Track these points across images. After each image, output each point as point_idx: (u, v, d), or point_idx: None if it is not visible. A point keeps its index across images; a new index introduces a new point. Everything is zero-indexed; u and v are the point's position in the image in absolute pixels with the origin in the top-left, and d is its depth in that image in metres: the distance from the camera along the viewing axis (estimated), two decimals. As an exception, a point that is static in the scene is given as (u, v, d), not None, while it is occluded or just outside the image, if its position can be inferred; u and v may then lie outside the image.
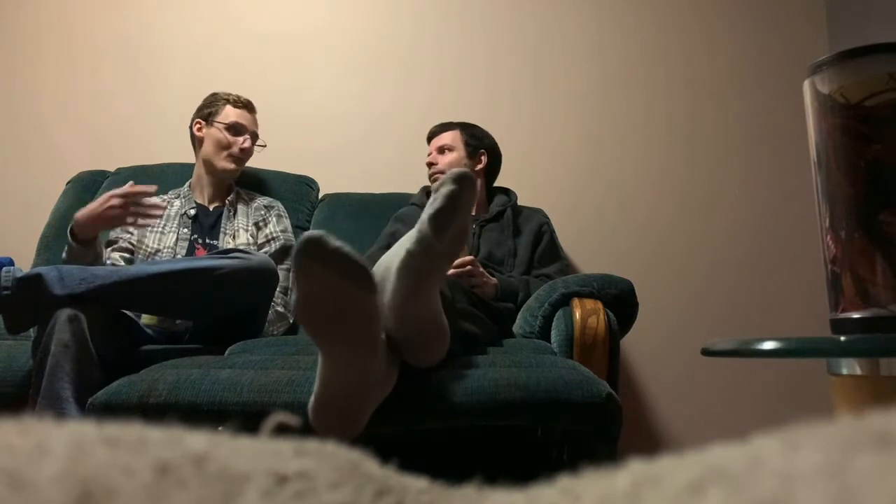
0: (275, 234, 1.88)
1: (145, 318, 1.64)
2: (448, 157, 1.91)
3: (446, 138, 1.95)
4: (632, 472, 0.18)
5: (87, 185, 2.14)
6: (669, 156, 2.34)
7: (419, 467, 0.26)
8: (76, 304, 1.28)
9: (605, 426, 1.07)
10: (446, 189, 0.92)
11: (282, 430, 0.23)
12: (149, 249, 1.78)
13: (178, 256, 1.76)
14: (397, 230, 1.76)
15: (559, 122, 2.37)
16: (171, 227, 1.82)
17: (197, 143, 1.92)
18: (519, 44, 2.42)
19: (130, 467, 0.17)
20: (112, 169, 2.19)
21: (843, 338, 0.70)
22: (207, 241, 1.83)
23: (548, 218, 1.95)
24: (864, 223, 0.69)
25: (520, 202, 1.99)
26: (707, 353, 0.75)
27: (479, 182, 1.96)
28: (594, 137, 2.35)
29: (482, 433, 1.33)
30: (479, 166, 1.95)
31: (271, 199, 1.98)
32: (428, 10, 2.45)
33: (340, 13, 2.46)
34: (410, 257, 0.93)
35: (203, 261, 1.43)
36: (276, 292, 1.74)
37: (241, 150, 1.88)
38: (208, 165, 1.89)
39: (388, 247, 1.10)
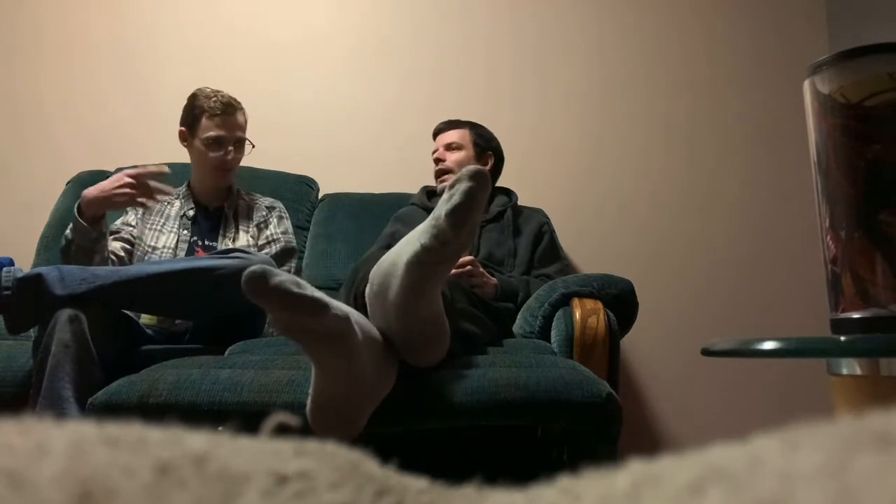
0: (276, 236, 1.88)
1: (144, 318, 1.63)
2: (456, 155, 1.91)
3: (455, 136, 1.94)
4: (632, 472, 0.18)
5: (87, 185, 2.12)
6: (669, 156, 2.34)
7: (419, 467, 0.26)
8: (76, 304, 1.28)
9: (605, 426, 1.07)
10: (465, 185, 0.92)
11: (282, 430, 0.23)
12: (146, 246, 1.78)
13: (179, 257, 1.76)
14: (397, 230, 1.76)
15: (559, 122, 2.37)
16: (171, 228, 1.82)
17: (187, 149, 1.88)
18: (519, 44, 2.42)
19: (130, 467, 0.17)
20: (112, 169, 2.19)
21: (843, 338, 0.70)
22: (206, 242, 1.83)
23: (548, 218, 1.95)
24: (864, 223, 0.69)
25: (520, 202, 1.99)
26: (707, 353, 0.75)
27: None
28: (594, 137, 2.35)
29: (482, 433, 1.33)
30: (486, 167, 1.95)
31: (273, 200, 1.97)
32: (428, 10, 2.45)
33: (341, 14, 2.46)
34: (425, 252, 0.92)
35: (203, 261, 1.43)
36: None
37: (225, 161, 1.79)
38: (199, 174, 1.86)
39: (389, 247, 1.09)
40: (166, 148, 2.23)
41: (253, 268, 0.83)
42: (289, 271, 1.86)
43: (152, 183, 1.54)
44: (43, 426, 0.20)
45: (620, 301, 1.49)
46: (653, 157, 2.33)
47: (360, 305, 1.10)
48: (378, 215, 2.04)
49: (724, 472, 0.16)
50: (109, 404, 1.08)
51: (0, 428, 0.20)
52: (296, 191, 2.16)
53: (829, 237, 0.72)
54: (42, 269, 1.31)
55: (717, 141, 2.34)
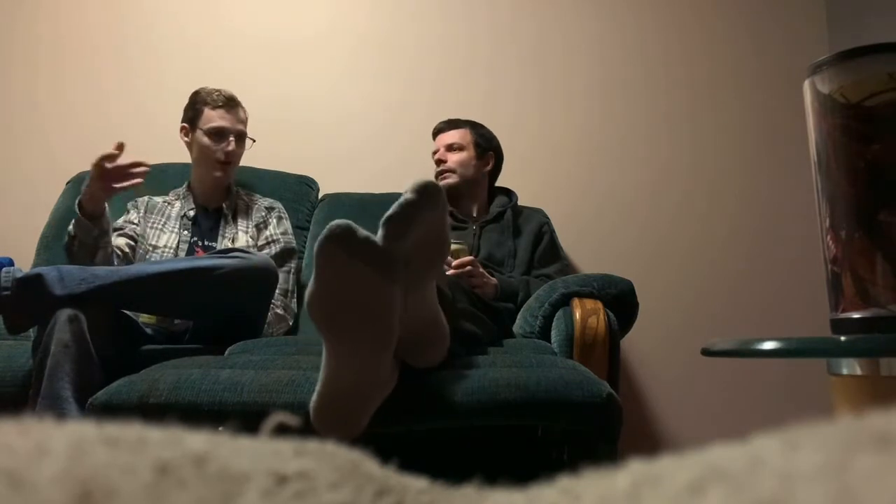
0: (275, 237, 1.88)
1: (144, 317, 1.63)
2: (457, 156, 1.91)
3: (456, 136, 1.94)
4: (632, 472, 0.18)
5: (87, 185, 2.14)
6: (669, 156, 2.34)
7: (419, 467, 0.26)
8: (76, 304, 1.28)
9: (605, 426, 1.07)
10: (404, 197, 0.87)
11: (282, 430, 0.23)
12: (148, 245, 1.78)
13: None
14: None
15: (559, 122, 2.37)
16: (172, 228, 1.82)
17: (187, 147, 1.90)
18: (519, 44, 2.42)
19: (130, 467, 0.17)
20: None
21: (843, 338, 0.70)
22: (206, 243, 1.83)
23: (548, 218, 1.95)
24: (864, 223, 0.69)
25: (520, 202, 1.99)
26: (707, 353, 0.75)
27: (483, 183, 1.97)
28: (594, 137, 2.35)
29: (482, 433, 1.33)
30: (487, 168, 1.96)
31: (272, 201, 1.97)
32: (429, 10, 2.45)
33: (341, 14, 2.46)
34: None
35: (203, 260, 1.43)
36: (276, 294, 1.73)
37: (226, 153, 1.81)
38: (199, 171, 1.87)
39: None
40: (166, 148, 2.23)
41: (337, 220, 0.83)
42: (288, 272, 1.86)
43: (120, 162, 1.49)
44: (43, 426, 0.20)
45: (620, 301, 1.49)
46: (653, 158, 2.33)
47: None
48: (378, 215, 1.99)
49: (724, 472, 0.16)
50: (109, 404, 1.08)
51: (0, 428, 0.20)
52: (296, 191, 2.16)
53: (829, 237, 0.72)
54: (42, 270, 1.31)
55: (717, 141, 2.34)
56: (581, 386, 1.06)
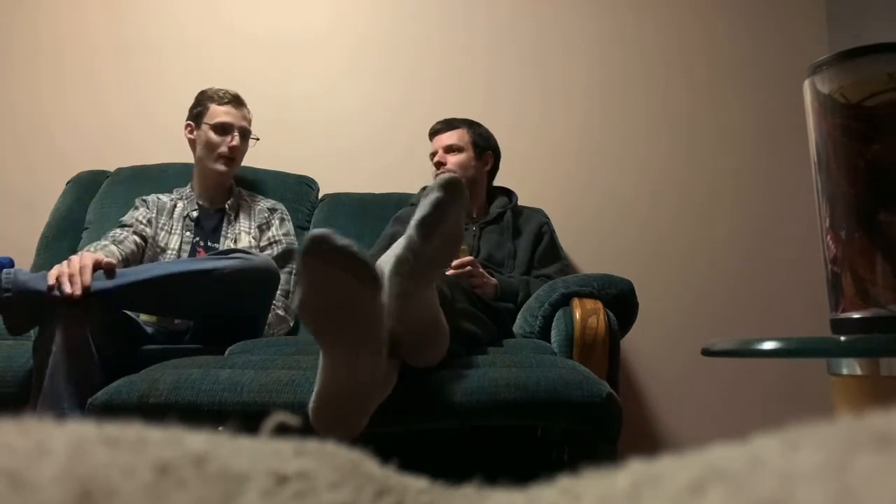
0: (277, 238, 1.88)
1: (144, 316, 1.64)
2: (457, 158, 1.90)
3: (454, 137, 1.93)
4: (632, 472, 0.18)
5: (87, 185, 2.14)
6: (669, 156, 2.34)
7: (419, 467, 0.26)
8: (76, 304, 1.28)
9: (605, 426, 1.07)
10: (432, 196, 0.93)
11: (282, 430, 0.23)
12: (157, 247, 1.79)
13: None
14: (397, 231, 1.76)
15: (559, 122, 2.37)
16: (176, 229, 1.83)
17: (191, 145, 1.92)
18: (519, 44, 2.42)
19: (130, 467, 0.17)
20: (112, 169, 2.19)
21: (843, 338, 0.70)
22: (209, 243, 1.83)
23: (548, 218, 1.95)
24: (864, 223, 0.69)
25: (520, 202, 1.99)
26: (707, 353, 0.75)
27: (482, 183, 1.96)
28: (594, 137, 2.35)
29: (482, 433, 1.33)
30: (486, 167, 1.95)
31: (274, 202, 1.98)
32: (428, 10, 2.45)
33: (341, 14, 2.46)
34: (399, 263, 0.93)
35: (204, 261, 1.43)
36: (277, 295, 1.73)
37: (230, 148, 1.84)
38: (203, 168, 1.89)
39: (388, 248, 1.10)
40: (165, 148, 2.23)
41: (316, 230, 0.86)
42: (290, 273, 1.86)
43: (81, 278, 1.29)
44: (43, 426, 0.20)
45: (620, 301, 1.49)
46: (653, 157, 2.33)
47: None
48: (378, 215, 2.04)
49: (724, 472, 0.16)
50: (109, 404, 1.08)
51: (0, 428, 0.20)
52: (296, 191, 2.16)
53: (829, 237, 0.72)
54: (42, 273, 1.31)
55: (717, 141, 2.34)
56: (581, 386, 1.06)
